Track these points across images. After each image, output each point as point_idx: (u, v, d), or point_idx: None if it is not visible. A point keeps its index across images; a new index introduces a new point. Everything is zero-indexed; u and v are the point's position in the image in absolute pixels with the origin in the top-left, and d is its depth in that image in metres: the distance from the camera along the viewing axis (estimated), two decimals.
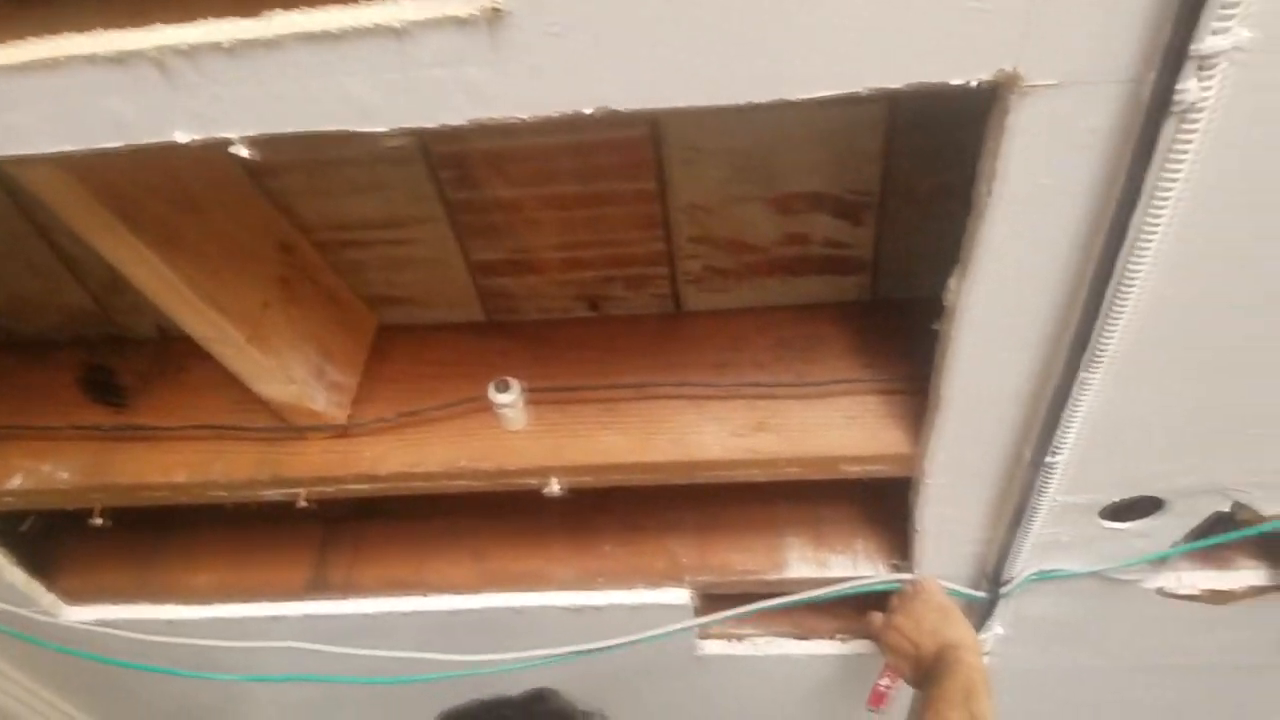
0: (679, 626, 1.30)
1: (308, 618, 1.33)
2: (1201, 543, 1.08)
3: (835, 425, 1.08)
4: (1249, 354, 0.84)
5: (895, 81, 0.64)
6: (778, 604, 1.23)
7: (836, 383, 1.11)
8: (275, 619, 1.33)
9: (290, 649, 1.30)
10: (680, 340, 1.17)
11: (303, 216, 1.08)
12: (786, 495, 1.36)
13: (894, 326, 1.12)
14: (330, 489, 1.11)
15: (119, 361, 1.26)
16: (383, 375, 1.16)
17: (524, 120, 0.67)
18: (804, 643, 1.44)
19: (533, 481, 1.09)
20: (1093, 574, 1.15)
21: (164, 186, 0.94)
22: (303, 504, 1.10)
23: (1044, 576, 1.15)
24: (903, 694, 1.14)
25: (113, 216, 0.86)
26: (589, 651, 1.28)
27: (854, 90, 0.65)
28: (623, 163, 0.99)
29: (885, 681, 1.20)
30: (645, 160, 0.99)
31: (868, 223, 1.06)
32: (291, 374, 1.05)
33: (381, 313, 1.21)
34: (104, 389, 1.23)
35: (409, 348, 1.18)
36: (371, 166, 1.01)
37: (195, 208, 0.98)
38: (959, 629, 1.10)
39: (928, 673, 1.07)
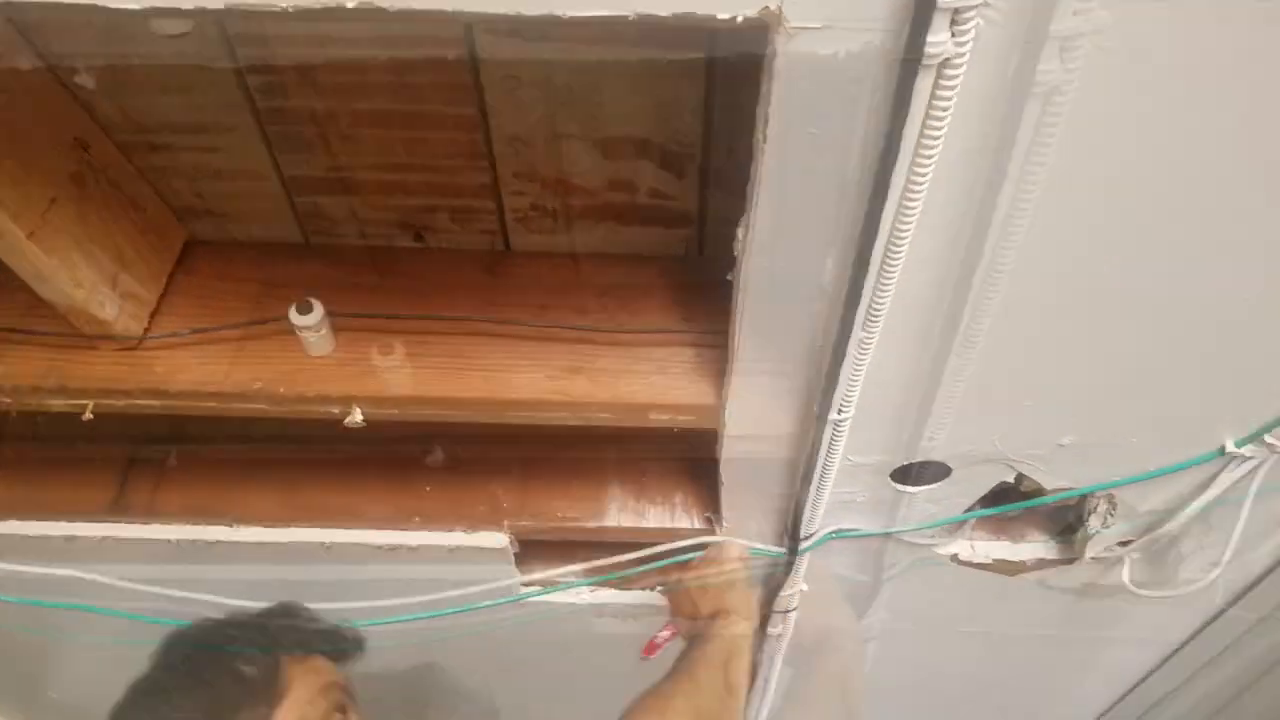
0: (504, 585, 1.31)
1: (106, 540, 1.28)
2: (983, 511, 1.13)
3: (648, 373, 1.09)
4: (1016, 323, 0.86)
5: (662, 9, 0.63)
6: (604, 572, 1.25)
7: (654, 332, 1.11)
8: (70, 539, 1.27)
9: (83, 579, 1.25)
10: (504, 279, 1.15)
11: (104, 114, 1.02)
12: (616, 446, 1.37)
13: (715, 282, 1.12)
14: (119, 403, 1.05)
15: None
16: (187, 290, 1.11)
17: (286, 9, 0.64)
18: (625, 594, 1.46)
19: (334, 410, 1.06)
20: (887, 535, 1.19)
21: None
22: (88, 417, 1.05)
23: (841, 535, 1.18)
24: (675, 647, 1.17)
25: None
26: (406, 614, 1.27)
27: (622, 14, 0.63)
28: (441, 83, 0.96)
29: (665, 634, 1.23)
30: (464, 84, 0.96)
31: (691, 176, 1.06)
32: (78, 278, 0.99)
33: (192, 225, 1.15)
34: None
35: (218, 263, 1.13)
36: (175, 67, 0.96)
37: None
38: (738, 596, 1.13)
39: (700, 633, 1.10)
